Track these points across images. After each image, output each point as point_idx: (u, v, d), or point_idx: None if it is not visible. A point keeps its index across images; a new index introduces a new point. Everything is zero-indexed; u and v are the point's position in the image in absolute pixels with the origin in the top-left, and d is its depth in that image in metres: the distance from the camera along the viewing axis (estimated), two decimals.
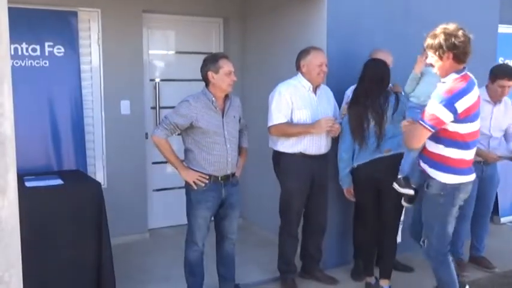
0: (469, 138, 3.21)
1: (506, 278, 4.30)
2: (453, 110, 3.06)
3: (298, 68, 4.04)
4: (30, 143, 4.54)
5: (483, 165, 4.40)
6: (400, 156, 3.71)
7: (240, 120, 3.77)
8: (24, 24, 4.53)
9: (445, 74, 3.18)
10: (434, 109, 3.08)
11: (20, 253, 1.68)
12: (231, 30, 5.74)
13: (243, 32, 5.76)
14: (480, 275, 4.48)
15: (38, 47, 4.63)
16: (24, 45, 4.58)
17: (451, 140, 3.20)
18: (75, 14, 4.78)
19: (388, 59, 4.19)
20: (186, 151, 3.64)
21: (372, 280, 4.14)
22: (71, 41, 4.77)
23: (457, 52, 3.11)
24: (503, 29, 5.95)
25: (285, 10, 4.90)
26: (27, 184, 3.74)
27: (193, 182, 3.54)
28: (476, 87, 3.19)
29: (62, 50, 4.73)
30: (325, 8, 4.34)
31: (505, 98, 4.51)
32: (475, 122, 3.19)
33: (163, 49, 5.63)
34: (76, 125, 4.82)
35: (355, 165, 3.98)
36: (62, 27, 4.73)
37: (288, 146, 4.00)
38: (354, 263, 4.49)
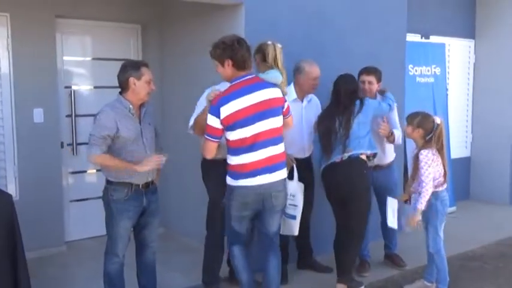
0: (240, 144, 3.33)
1: (418, 274, 4.53)
2: (218, 115, 3.29)
3: None
4: None
5: (373, 170, 4.44)
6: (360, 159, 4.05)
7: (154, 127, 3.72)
8: None
9: (228, 80, 3.45)
10: (207, 119, 3.35)
11: None
12: (150, 36, 5.68)
13: (161, 39, 5.72)
14: (394, 272, 4.71)
15: None
16: None
17: (229, 148, 3.41)
18: None
19: (316, 70, 4.30)
20: None
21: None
22: None
23: (235, 60, 3.36)
24: (412, 37, 6.30)
25: (203, 17, 4.92)
26: None
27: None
28: (253, 94, 3.32)
29: None
30: (243, 15, 4.41)
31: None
32: (246, 128, 3.30)
33: (78, 55, 5.46)
34: None
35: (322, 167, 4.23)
36: None
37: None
38: None
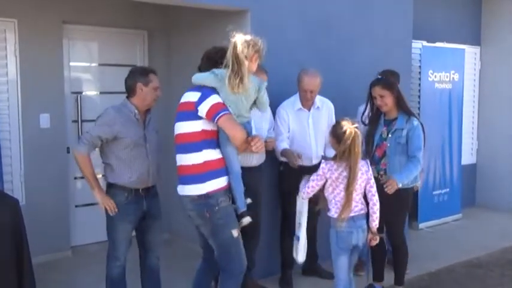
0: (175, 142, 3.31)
1: (423, 281, 4.52)
2: None
3: None
4: None
5: None
6: None
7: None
8: None
9: None
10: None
11: None
12: (156, 42, 5.71)
13: (167, 45, 5.74)
14: None
15: None
16: None
17: None
18: None
19: (317, 80, 4.28)
20: (107, 166, 3.54)
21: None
22: None
23: None
24: (417, 44, 6.29)
25: (210, 23, 4.94)
26: None
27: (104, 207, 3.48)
28: (186, 95, 3.26)
29: None
30: (249, 22, 4.43)
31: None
32: (176, 124, 3.28)
33: (85, 61, 5.50)
34: None
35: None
36: None
37: None
38: (281, 272, 4.56)
